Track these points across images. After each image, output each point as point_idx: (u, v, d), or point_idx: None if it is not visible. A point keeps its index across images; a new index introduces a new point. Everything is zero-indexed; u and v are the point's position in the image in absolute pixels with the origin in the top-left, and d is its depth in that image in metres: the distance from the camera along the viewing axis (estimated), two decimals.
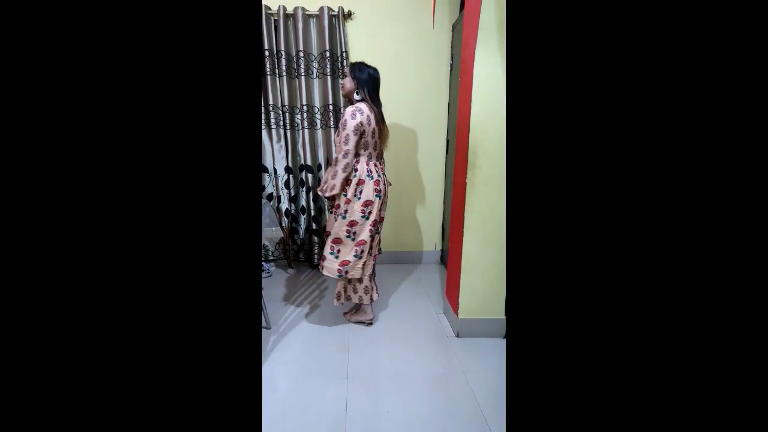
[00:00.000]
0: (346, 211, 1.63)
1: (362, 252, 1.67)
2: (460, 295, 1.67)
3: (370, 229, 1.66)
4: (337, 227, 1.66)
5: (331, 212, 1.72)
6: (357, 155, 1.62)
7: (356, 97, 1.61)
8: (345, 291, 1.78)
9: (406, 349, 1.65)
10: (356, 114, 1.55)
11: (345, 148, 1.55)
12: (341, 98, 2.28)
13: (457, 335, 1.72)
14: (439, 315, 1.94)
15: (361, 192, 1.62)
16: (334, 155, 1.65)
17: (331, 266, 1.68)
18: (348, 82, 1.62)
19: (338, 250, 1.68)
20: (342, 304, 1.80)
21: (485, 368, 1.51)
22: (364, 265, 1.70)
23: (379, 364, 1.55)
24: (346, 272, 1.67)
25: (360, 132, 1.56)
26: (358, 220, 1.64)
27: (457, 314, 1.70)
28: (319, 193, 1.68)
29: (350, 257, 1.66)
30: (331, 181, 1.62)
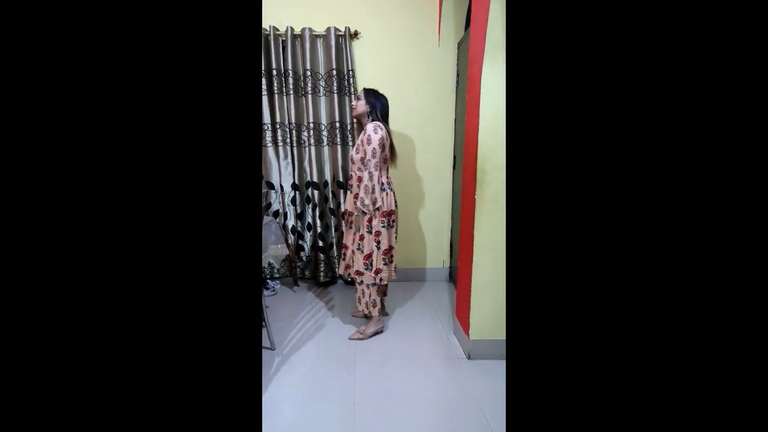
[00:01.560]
0: (358, 227, 1.76)
1: (392, 257, 1.82)
2: (470, 315, 1.61)
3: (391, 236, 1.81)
4: (368, 243, 1.76)
5: (350, 227, 1.83)
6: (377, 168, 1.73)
7: (367, 119, 1.74)
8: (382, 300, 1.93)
9: (416, 372, 1.58)
10: (378, 129, 1.67)
11: (374, 161, 1.67)
12: (348, 116, 2.30)
13: (468, 357, 1.65)
14: (449, 335, 1.88)
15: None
16: (356, 173, 1.75)
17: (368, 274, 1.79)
18: (361, 106, 1.74)
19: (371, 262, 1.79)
20: (380, 315, 1.89)
21: (498, 392, 1.44)
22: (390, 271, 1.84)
23: (387, 387, 1.49)
24: (381, 279, 1.79)
25: (382, 146, 1.68)
26: (381, 230, 1.74)
27: (468, 335, 1.64)
28: (365, 210, 1.70)
29: (381, 266, 1.78)
30: (372, 196, 1.69)
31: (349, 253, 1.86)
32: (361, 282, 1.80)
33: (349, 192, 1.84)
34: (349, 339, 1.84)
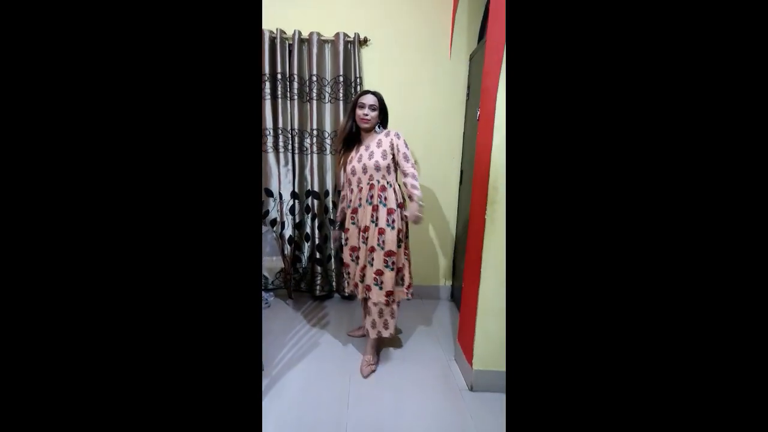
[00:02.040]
0: (383, 242, 1.56)
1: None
2: (475, 342, 1.50)
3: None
4: (399, 258, 1.61)
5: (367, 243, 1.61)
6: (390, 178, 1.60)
7: (378, 129, 1.62)
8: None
9: (413, 404, 1.46)
10: (399, 134, 1.60)
11: (413, 162, 1.57)
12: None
13: (471, 389, 1.53)
14: (449, 362, 1.76)
15: (393, 221, 1.57)
16: (379, 181, 1.58)
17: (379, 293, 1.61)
18: (375, 117, 1.59)
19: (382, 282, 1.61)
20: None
21: (503, 430, 1.32)
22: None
23: (382, 421, 1.37)
24: (412, 294, 1.69)
25: None
26: (405, 241, 1.63)
27: (472, 364, 1.52)
28: (417, 199, 1.52)
29: (410, 280, 1.68)
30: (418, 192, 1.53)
31: (353, 269, 1.69)
32: (393, 301, 1.62)
33: (364, 205, 1.59)
34: (365, 378, 1.62)
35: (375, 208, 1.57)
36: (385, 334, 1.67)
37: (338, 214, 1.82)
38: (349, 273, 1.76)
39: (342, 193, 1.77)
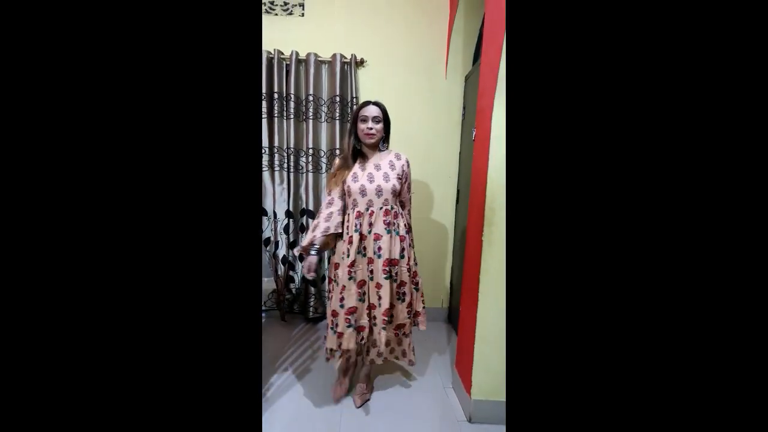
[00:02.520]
0: (396, 273, 1.43)
1: None
2: (473, 370, 1.43)
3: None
4: (408, 289, 1.48)
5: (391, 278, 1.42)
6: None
7: (383, 145, 1.47)
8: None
9: None
10: (409, 162, 1.51)
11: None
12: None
13: (470, 420, 1.45)
14: (446, 389, 1.68)
15: (404, 249, 1.45)
16: (394, 207, 1.44)
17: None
18: (380, 131, 1.41)
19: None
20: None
21: None
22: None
23: None
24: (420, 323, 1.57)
25: None
26: (406, 281, 1.45)
27: (470, 394, 1.45)
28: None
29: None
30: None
31: (363, 312, 1.42)
32: (404, 334, 1.51)
33: (379, 232, 1.40)
34: (358, 407, 1.52)
35: (390, 237, 1.41)
36: (403, 361, 1.59)
37: (317, 233, 1.42)
38: (356, 320, 1.40)
39: (328, 210, 1.45)
